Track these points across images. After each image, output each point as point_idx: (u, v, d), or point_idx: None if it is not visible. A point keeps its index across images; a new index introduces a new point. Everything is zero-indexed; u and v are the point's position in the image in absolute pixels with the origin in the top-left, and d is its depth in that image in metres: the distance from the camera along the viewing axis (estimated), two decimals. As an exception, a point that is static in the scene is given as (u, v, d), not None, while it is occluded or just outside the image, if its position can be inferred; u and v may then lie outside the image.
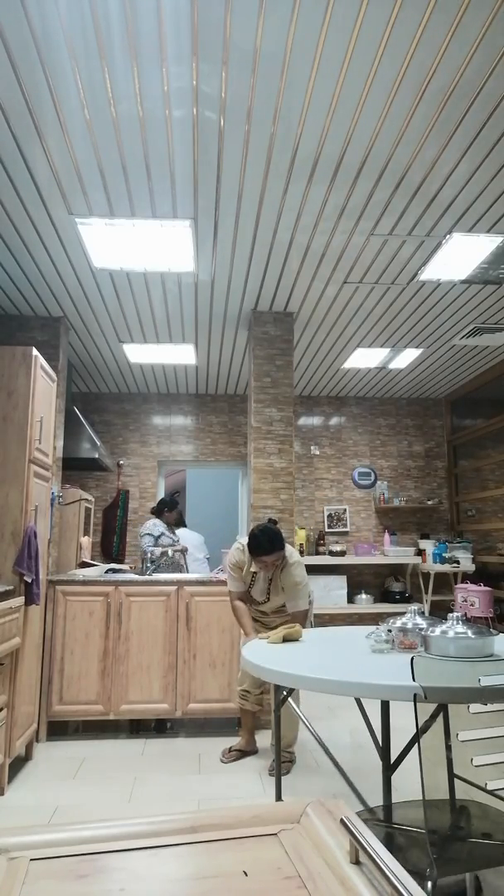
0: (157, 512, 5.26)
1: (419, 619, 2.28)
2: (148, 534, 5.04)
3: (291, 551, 3.35)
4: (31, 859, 0.75)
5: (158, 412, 6.86)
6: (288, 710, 3.29)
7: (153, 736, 3.98)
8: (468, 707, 1.62)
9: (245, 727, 3.57)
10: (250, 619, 3.36)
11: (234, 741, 3.64)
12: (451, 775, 1.87)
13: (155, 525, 5.10)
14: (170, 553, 4.78)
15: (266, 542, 3.16)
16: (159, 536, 5.01)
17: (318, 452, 6.96)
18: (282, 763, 3.35)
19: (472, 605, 5.20)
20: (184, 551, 5.25)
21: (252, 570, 3.30)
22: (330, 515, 6.81)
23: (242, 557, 3.32)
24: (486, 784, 1.62)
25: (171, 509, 5.27)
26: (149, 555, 4.67)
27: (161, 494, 6.76)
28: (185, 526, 6.21)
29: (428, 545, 6.39)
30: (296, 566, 3.29)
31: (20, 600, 3.24)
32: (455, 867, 1.66)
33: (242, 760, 3.50)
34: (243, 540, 3.35)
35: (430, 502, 6.80)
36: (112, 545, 6.48)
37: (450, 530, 6.92)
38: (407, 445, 7.07)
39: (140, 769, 3.39)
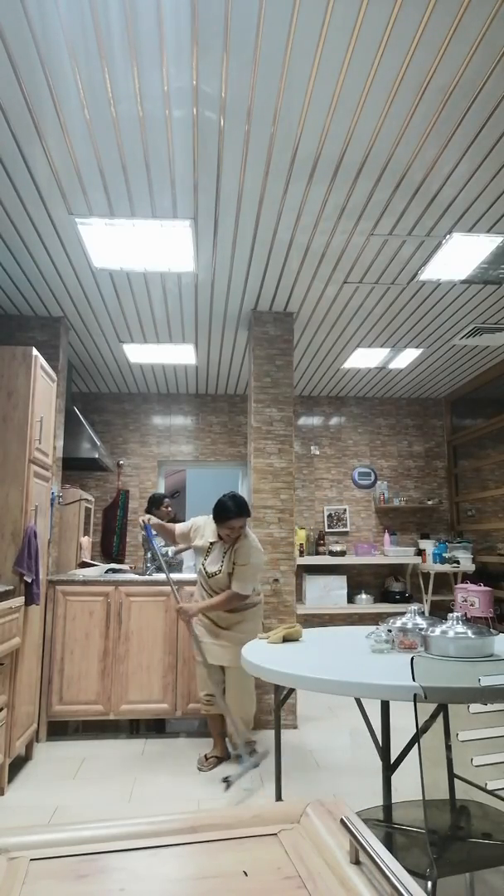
0: (147, 511, 4.97)
1: (419, 619, 2.28)
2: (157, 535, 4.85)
3: (252, 535, 3.42)
4: (31, 859, 0.75)
5: (158, 412, 6.86)
6: (244, 682, 3.33)
7: (153, 736, 3.98)
8: (468, 707, 1.62)
9: (216, 732, 3.53)
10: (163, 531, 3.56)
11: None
12: (451, 775, 1.87)
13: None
14: (170, 553, 4.76)
15: (234, 506, 3.26)
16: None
17: (318, 452, 6.96)
18: (249, 753, 3.35)
19: (472, 605, 5.21)
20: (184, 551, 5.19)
21: (211, 540, 3.37)
22: (330, 515, 6.81)
23: (202, 524, 3.45)
24: (486, 784, 1.62)
25: (158, 506, 4.97)
26: (161, 554, 4.58)
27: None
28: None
29: (428, 545, 6.39)
30: (249, 547, 3.32)
31: (20, 600, 3.24)
32: (455, 867, 1.66)
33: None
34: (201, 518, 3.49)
35: (430, 502, 6.80)
36: (112, 545, 6.48)
37: (450, 530, 6.92)
38: (407, 445, 7.07)
39: (140, 769, 3.39)
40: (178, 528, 3.58)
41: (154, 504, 5.00)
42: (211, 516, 3.39)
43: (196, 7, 2.00)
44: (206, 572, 3.39)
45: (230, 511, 3.25)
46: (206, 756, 3.47)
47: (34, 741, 3.67)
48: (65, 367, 4.75)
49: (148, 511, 4.99)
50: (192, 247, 3.51)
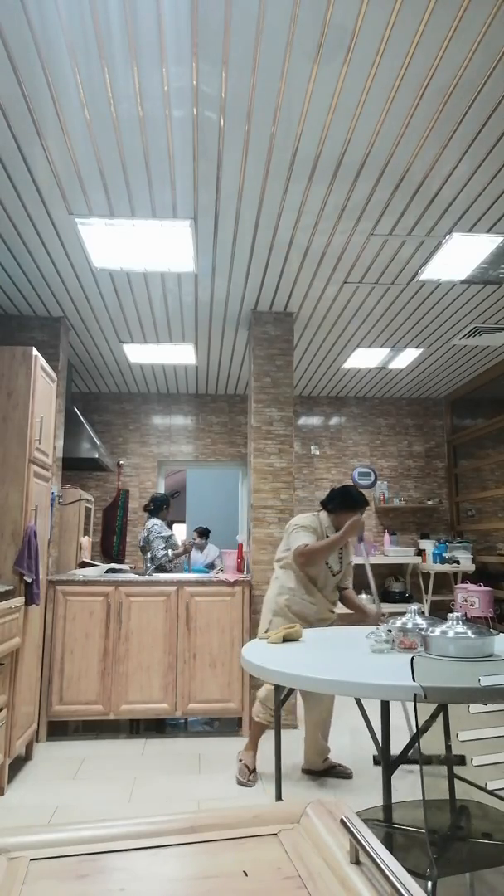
0: (156, 511, 4.91)
1: (419, 619, 2.28)
2: (159, 536, 4.70)
3: None
4: (31, 859, 0.75)
5: (158, 412, 6.86)
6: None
7: (153, 736, 3.98)
8: (468, 707, 1.62)
9: (255, 742, 3.32)
10: None
11: (234, 741, 3.63)
12: (451, 775, 1.87)
13: (163, 526, 4.82)
14: (169, 554, 4.75)
15: (361, 496, 3.17)
16: (169, 537, 4.78)
17: (318, 452, 6.96)
18: (333, 768, 3.24)
19: (472, 605, 5.21)
20: (189, 549, 5.15)
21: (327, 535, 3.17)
22: (330, 515, 6.80)
23: (316, 524, 3.20)
24: (486, 784, 1.62)
25: (164, 506, 4.93)
26: (165, 561, 4.59)
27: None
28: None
29: (428, 545, 6.38)
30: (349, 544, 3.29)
31: (20, 600, 3.24)
32: (455, 867, 1.66)
33: (242, 760, 3.50)
34: (307, 514, 3.28)
35: (430, 502, 6.80)
36: (112, 545, 6.48)
37: (450, 530, 6.92)
38: (407, 445, 7.07)
39: (140, 769, 3.39)
40: (308, 539, 3.15)
41: (167, 505, 4.95)
42: (318, 513, 3.25)
43: (196, 7, 2.00)
44: (332, 570, 3.23)
45: (363, 500, 3.15)
46: (249, 769, 3.22)
47: (34, 741, 3.67)
48: (65, 367, 4.75)
49: (157, 512, 4.90)
50: (192, 247, 3.51)
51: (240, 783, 3.17)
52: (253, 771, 3.22)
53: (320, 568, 3.18)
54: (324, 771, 3.28)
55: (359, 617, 3.32)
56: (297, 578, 3.19)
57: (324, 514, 3.23)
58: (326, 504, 3.25)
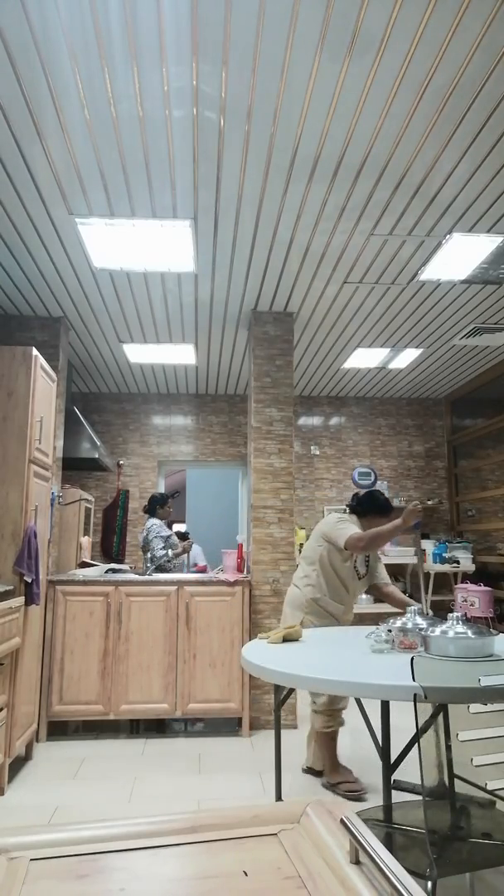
0: (153, 511, 4.92)
1: (419, 619, 2.28)
2: (158, 536, 4.71)
3: None
4: (31, 859, 0.75)
5: (158, 412, 6.86)
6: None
7: (153, 736, 3.98)
8: (468, 707, 1.62)
9: (335, 757, 3.15)
10: None
11: (234, 741, 3.63)
12: (451, 775, 1.87)
13: (162, 526, 4.84)
14: (169, 554, 4.75)
15: (388, 500, 3.24)
16: (168, 537, 4.79)
17: (318, 452, 6.96)
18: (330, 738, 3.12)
19: (472, 605, 5.21)
20: (187, 550, 5.15)
21: None
22: (330, 515, 6.80)
23: (353, 521, 3.20)
24: (486, 784, 1.62)
25: (162, 505, 4.94)
26: (165, 561, 4.59)
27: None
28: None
29: (428, 545, 6.38)
30: None
31: (20, 600, 3.24)
32: (455, 867, 1.66)
33: (242, 760, 3.50)
34: (341, 514, 3.26)
35: (430, 502, 6.80)
36: (112, 545, 6.48)
37: (450, 530, 6.92)
38: (407, 445, 7.07)
39: (140, 769, 3.39)
40: (352, 529, 3.11)
41: (161, 503, 4.96)
42: (347, 513, 3.25)
43: (196, 7, 2.00)
44: (358, 573, 3.24)
45: (391, 505, 3.23)
46: (350, 780, 3.04)
47: (34, 741, 3.67)
48: (65, 367, 4.75)
49: (153, 512, 4.92)
50: (192, 247, 3.51)
51: (356, 798, 2.97)
52: (358, 784, 3.04)
53: (349, 569, 3.20)
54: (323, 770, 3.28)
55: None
56: (326, 578, 3.20)
57: (354, 518, 3.24)
58: (357, 508, 3.26)
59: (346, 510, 3.33)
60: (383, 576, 3.41)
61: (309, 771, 3.30)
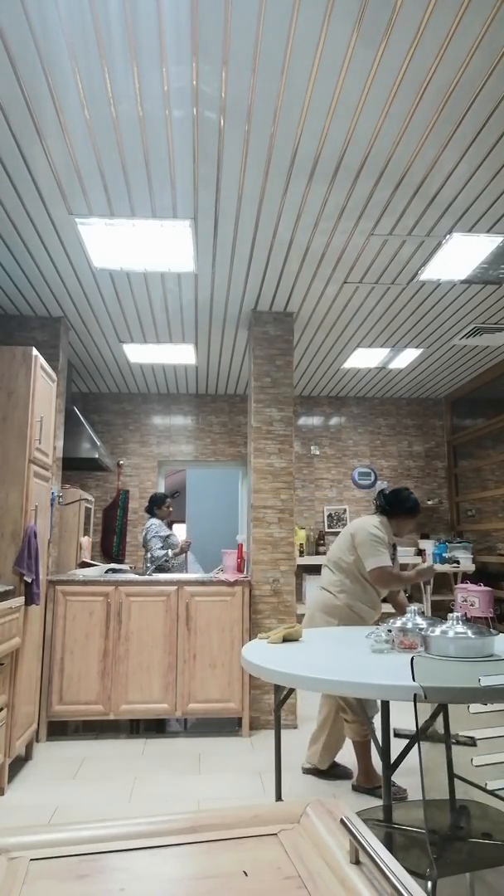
0: (150, 510, 4.97)
1: (419, 619, 2.28)
2: (156, 536, 4.72)
3: None
4: (31, 859, 0.75)
5: (158, 412, 6.86)
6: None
7: (153, 736, 3.98)
8: (468, 707, 1.62)
9: (369, 763, 3.11)
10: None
11: (234, 741, 3.63)
12: (451, 775, 1.87)
13: (161, 526, 4.85)
14: (169, 554, 4.75)
15: (416, 499, 3.25)
16: (167, 537, 4.79)
17: (318, 452, 6.96)
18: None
19: (472, 605, 5.21)
20: (185, 550, 5.16)
21: (391, 542, 3.20)
22: (330, 515, 6.81)
23: (385, 534, 3.16)
24: (486, 784, 1.62)
25: (160, 505, 4.96)
26: (163, 560, 4.58)
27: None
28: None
29: (428, 545, 6.38)
30: None
31: (20, 600, 3.24)
32: (455, 867, 1.66)
33: (242, 760, 3.50)
34: (374, 519, 3.21)
35: (430, 502, 6.80)
36: (112, 545, 6.48)
37: (450, 530, 6.92)
38: (407, 445, 7.07)
39: (140, 769, 3.39)
40: (387, 560, 3.10)
41: (157, 503, 4.98)
42: (381, 518, 3.22)
43: (196, 7, 2.00)
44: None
45: (419, 506, 3.25)
46: (399, 785, 3.04)
47: (34, 741, 3.67)
48: (65, 367, 4.75)
49: (151, 512, 4.96)
50: (192, 247, 3.51)
51: (400, 799, 2.95)
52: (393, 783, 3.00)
53: None
54: (326, 770, 3.28)
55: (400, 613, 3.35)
56: (361, 585, 3.20)
57: (385, 520, 3.23)
58: (386, 509, 3.24)
59: (375, 509, 3.31)
60: None
61: (310, 771, 3.30)
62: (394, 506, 3.22)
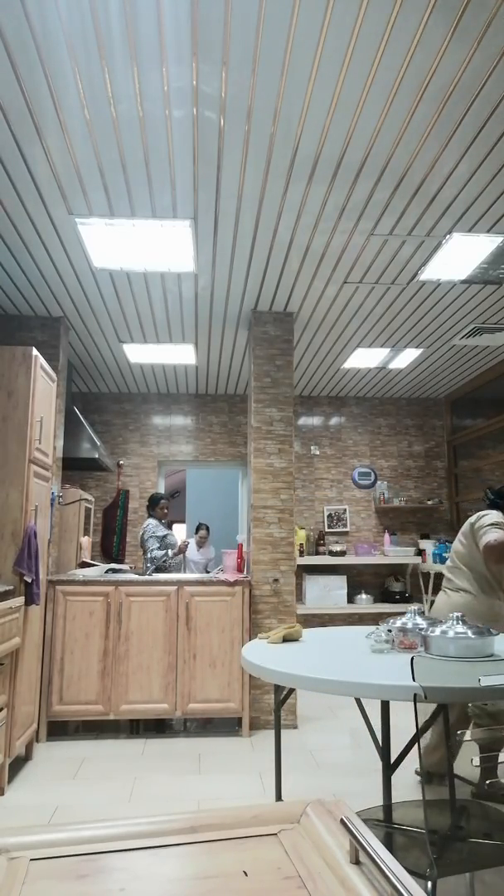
0: (149, 510, 4.96)
1: (419, 619, 2.28)
2: (153, 536, 4.72)
3: None
4: (31, 859, 0.75)
5: (158, 412, 6.86)
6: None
7: (153, 736, 3.98)
8: (468, 707, 1.62)
9: None
10: None
11: (234, 741, 3.63)
12: (451, 775, 1.87)
13: (157, 526, 4.85)
14: (169, 554, 4.75)
15: None
16: (164, 537, 4.78)
17: (318, 452, 6.96)
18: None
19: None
20: (183, 550, 5.15)
21: None
22: (330, 515, 6.81)
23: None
24: (486, 784, 1.62)
25: (155, 506, 4.93)
26: (162, 560, 4.58)
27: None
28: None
29: (428, 545, 6.38)
30: None
31: (20, 600, 3.24)
32: (455, 867, 1.66)
33: (242, 760, 3.50)
34: (491, 512, 3.14)
35: (430, 502, 6.80)
36: (112, 545, 6.48)
37: (450, 530, 6.91)
38: (407, 445, 7.07)
39: (140, 769, 3.39)
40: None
41: (152, 503, 4.98)
42: (497, 516, 3.13)
43: (196, 7, 2.00)
44: None
45: None
46: None
47: (34, 741, 3.67)
48: (65, 367, 4.75)
49: (150, 513, 4.96)
50: (192, 247, 3.51)
51: None
52: None
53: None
54: None
55: None
56: (488, 581, 3.10)
57: (500, 514, 3.15)
58: (497, 502, 3.21)
59: (487, 504, 3.25)
60: None
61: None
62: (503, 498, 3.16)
